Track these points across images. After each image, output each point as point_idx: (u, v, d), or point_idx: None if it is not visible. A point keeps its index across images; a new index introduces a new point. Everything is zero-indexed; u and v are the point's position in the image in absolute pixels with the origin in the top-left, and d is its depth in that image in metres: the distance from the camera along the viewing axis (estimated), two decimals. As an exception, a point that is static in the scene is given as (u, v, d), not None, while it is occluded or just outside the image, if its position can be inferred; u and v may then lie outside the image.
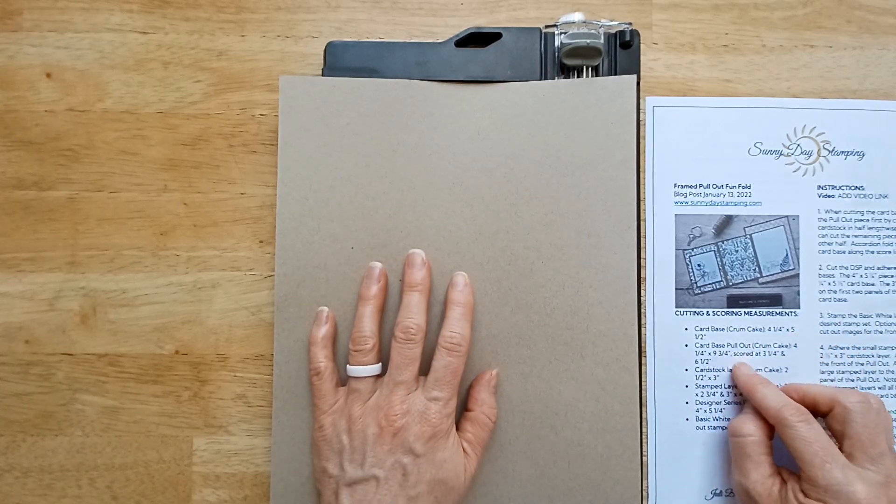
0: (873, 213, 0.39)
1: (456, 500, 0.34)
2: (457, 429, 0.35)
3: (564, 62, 0.38)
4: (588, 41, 0.37)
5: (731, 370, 0.38)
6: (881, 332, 0.39)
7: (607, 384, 0.36)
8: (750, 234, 0.39)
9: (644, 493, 0.38)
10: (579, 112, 0.37)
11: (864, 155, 0.39)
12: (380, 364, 0.35)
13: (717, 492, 0.38)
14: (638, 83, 0.39)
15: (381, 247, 0.37)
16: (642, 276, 0.39)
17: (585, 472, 0.36)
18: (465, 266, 0.37)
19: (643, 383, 0.38)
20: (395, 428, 0.33)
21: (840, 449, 0.33)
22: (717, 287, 0.39)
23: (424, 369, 0.35)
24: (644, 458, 0.38)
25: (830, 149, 0.39)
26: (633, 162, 0.37)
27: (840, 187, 0.39)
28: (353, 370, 0.35)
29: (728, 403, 0.39)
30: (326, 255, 0.37)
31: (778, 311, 0.39)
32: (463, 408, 0.37)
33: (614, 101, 0.37)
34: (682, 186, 0.39)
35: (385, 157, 0.37)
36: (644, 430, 0.38)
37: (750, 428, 0.35)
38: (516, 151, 0.37)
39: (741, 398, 0.38)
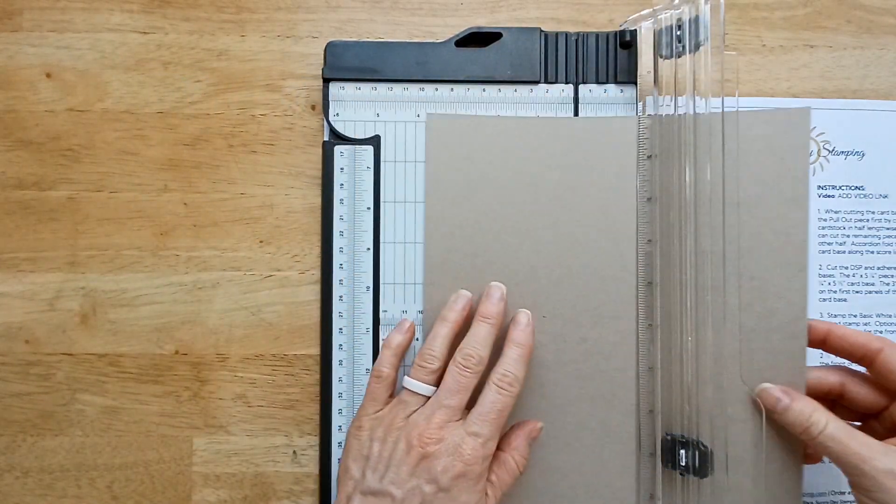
0: (873, 213, 0.39)
1: None
2: None
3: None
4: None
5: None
6: (881, 332, 0.39)
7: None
8: (750, 234, 0.39)
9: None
10: (755, 144, 0.35)
11: (864, 155, 0.39)
12: (436, 388, 0.34)
13: (717, 492, 0.38)
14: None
15: (524, 282, 0.37)
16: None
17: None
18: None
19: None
20: (425, 452, 0.32)
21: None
22: (717, 287, 0.39)
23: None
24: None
25: (830, 149, 0.39)
26: (805, 200, 0.35)
27: (840, 187, 0.39)
28: (409, 382, 0.34)
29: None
30: (470, 289, 0.37)
31: (778, 311, 0.39)
32: None
33: (787, 135, 0.35)
34: (682, 186, 0.39)
35: (527, 192, 0.37)
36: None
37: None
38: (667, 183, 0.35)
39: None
